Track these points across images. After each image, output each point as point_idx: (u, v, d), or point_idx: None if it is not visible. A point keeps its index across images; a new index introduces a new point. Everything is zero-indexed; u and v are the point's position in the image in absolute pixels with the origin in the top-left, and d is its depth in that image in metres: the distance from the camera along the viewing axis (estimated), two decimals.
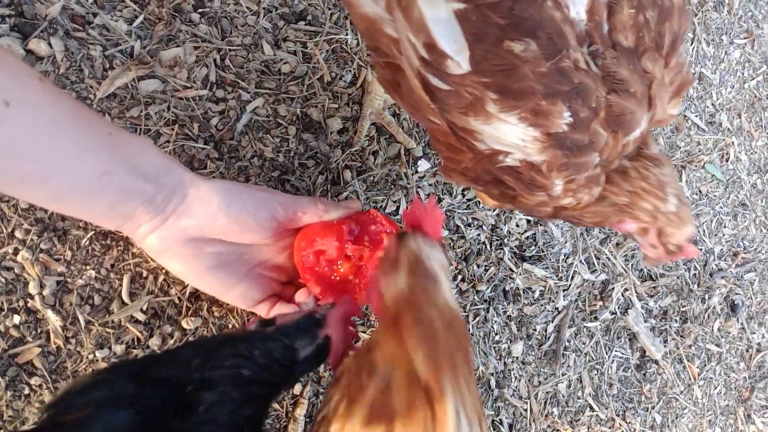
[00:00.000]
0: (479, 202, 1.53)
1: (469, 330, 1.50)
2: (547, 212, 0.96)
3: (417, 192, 1.44)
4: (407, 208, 0.88)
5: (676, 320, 1.90)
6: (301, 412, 1.25)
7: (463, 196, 1.51)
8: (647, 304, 1.83)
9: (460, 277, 1.50)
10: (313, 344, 0.78)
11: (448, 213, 1.49)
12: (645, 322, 1.81)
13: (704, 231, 1.99)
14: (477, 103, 0.78)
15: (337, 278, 1.02)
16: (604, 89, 0.80)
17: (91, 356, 1.08)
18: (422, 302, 0.70)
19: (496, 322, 1.54)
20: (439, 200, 1.48)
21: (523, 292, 1.59)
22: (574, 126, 0.79)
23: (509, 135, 0.80)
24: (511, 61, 0.74)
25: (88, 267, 1.08)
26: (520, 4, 0.73)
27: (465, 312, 1.49)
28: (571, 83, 0.76)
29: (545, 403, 1.62)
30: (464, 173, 0.95)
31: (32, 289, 1.04)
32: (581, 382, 1.69)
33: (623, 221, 0.94)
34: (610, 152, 0.86)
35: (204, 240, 0.94)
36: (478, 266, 1.51)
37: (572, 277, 1.67)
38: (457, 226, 1.50)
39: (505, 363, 1.56)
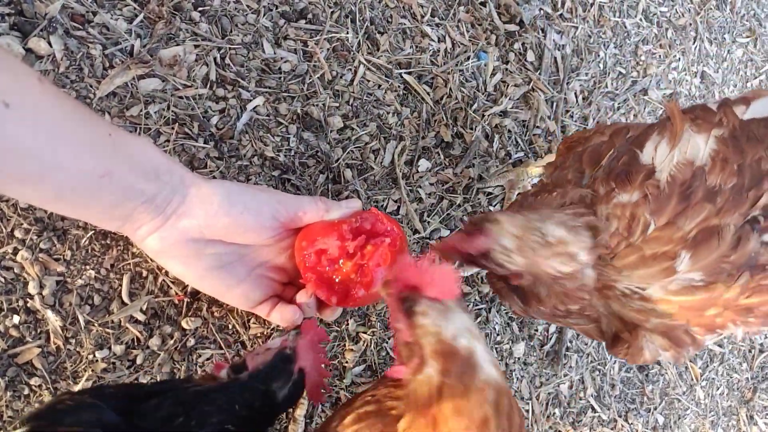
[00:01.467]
0: (480, 202, 1.53)
1: None
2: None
3: (418, 190, 1.44)
4: (394, 263, 0.85)
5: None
6: (300, 412, 1.24)
7: (465, 199, 1.51)
8: None
9: (462, 278, 1.49)
10: (289, 382, 0.79)
11: (448, 215, 1.48)
12: None
13: None
14: None
15: (339, 278, 1.01)
16: None
17: (90, 356, 1.07)
18: (460, 391, 0.64)
19: (497, 323, 1.53)
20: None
21: None
22: None
23: None
24: None
25: (87, 267, 1.07)
26: None
27: None
28: None
29: (547, 404, 1.61)
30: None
31: (32, 289, 1.03)
32: (583, 382, 1.68)
33: None
34: None
35: (204, 241, 0.94)
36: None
37: None
38: (459, 229, 1.49)
39: (506, 364, 1.55)
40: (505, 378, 0.71)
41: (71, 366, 1.07)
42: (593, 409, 1.69)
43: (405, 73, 1.44)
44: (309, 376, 0.84)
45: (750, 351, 2.06)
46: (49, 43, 1.05)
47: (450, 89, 1.49)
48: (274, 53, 1.27)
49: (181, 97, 1.17)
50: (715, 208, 0.90)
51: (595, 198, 0.99)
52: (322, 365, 0.89)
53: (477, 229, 0.89)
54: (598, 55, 1.79)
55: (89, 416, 0.62)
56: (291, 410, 1.25)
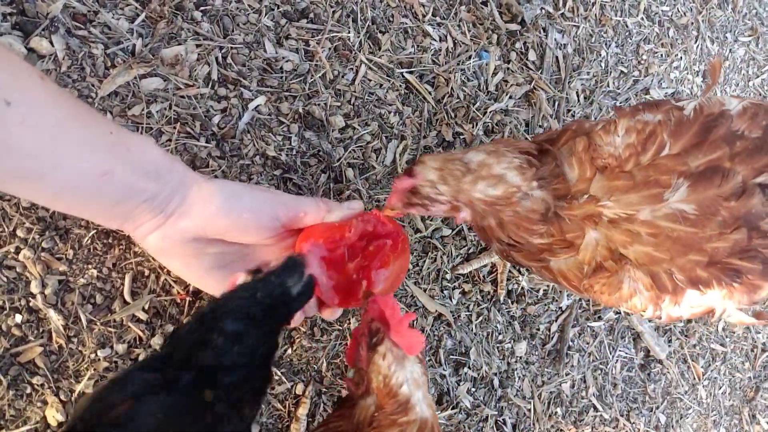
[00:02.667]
0: None
1: (472, 330, 1.49)
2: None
3: None
4: (371, 298, 0.92)
5: (659, 318, 1.89)
6: (303, 411, 1.24)
7: None
8: (647, 320, 1.82)
9: (463, 277, 1.49)
10: (302, 281, 0.85)
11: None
12: (649, 321, 1.80)
13: None
14: None
15: (341, 278, 1.01)
16: None
17: (92, 355, 1.08)
18: (388, 423, 0.79)
19: (499, 321, 1.53)
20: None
21: (527, 292, 1.58)
22: None
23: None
24: None
25: (89, 266, 1.08)
26: None
27: (468, 312, 1.49)
28: None
29: (549, 403, 1.61)
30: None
31: (34, 288, 1.03)
32: (585, 382, 1.68)
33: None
34: None
35: (205, 240, 0.94)
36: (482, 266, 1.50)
37: None
38: (461, 228, 1.49)
39: (508, 363, 1.55)
40: (435, 416, 0.84)
41: (73, 365, 1.07)
42: (595, 408, 1.69)
43: (406, 72, 1.44)
44: (320, 282, 0.92)
45: (752, 350, 2.06)
46: (51, 43, 1.05)
47: (451, 88, 1.49)
48: (276, 53, 1.27)
49: (182, 97, 1.17)
50: (731, 152, 0.88)
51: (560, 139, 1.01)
52: (326, 276, 0.97)
53: (406, 171, 0.97)
54: (600, 55, 1.79)
55: (135, 388, 0.65)
56: (293, 409, 1.25)
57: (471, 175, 0.92)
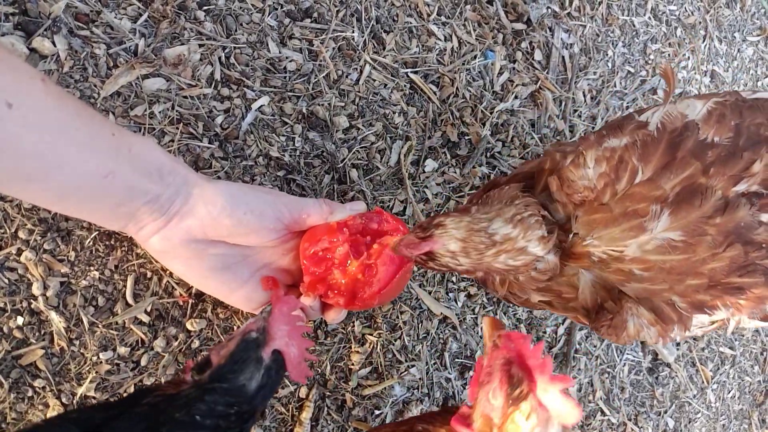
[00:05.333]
0: None
1: (477, 333, 1.47)
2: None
3: (424, 191, 1.42)
4: (496, 336, 0.77)
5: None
6: (306, 415, 1.23)
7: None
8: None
9: (469, 280, 1.47)
10: (260, 370, 0.71)
11: None
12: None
13: None
14: None
15: (345, 279, 1.00)
16: None
17: (94, 358, 1.07)
18: None
19: (507, 325, 1.52)
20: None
21: None
22: None
23: None
24: None
25: (92, 268, 1.07)
26: None
27: (474, 314, 1.47)
28: None
29: None
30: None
31: (36, 290, 1.02)
32: (592, 385, 1.66)
33: None
34: None
35: (208, 242, 0.93)
36: None
37: None
38: None
39: None
40: None
41: (75, 368, 1.06)
42: (602, 412, 1.66)
43: (411, 72, 1.42)
44: (287, 354, 0.77)
45: (762, 353, 2.03)
46: (53, 43, 1.04)
47: (457, 88, 1.48)
48: (279, 52, 1.26)
49: (185, 97, 1.16)
50: (703, 165, 0.84)
51: (546, 161, 0.98)
52: (302, 335, 0.82)
53: (425, 234, 0.89)
54: (607, 54, 1.77)
55: None
56: (297, 413, 1.24)
57: (495, 248, 0.88)
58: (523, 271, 0.92)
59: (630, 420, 1.71)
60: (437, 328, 1.42)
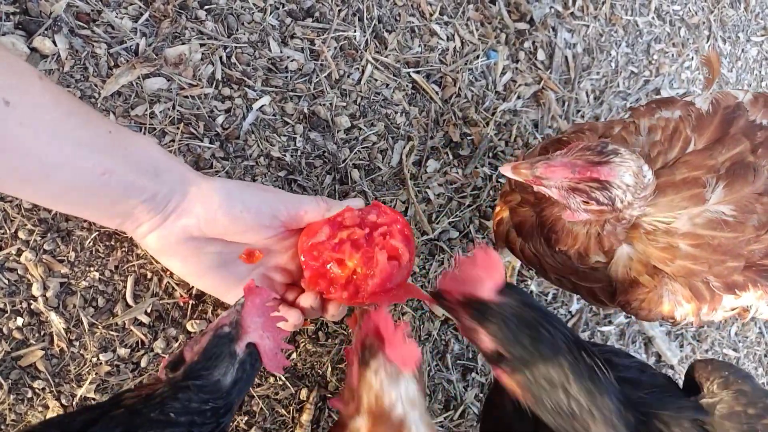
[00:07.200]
0: (493, 207, 1.50)
1: None
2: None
3: (426, 191, 1.41)
4: (362, 316, 0.83)
5: (692, 324, 1.85)
6: (307, 418, 1.22)
7: (473, 200, 1.48)
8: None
9: None
10: (234, 365, 0.71)
11: (457, 217, 1.46)
12: (660, 326, 1.77)
13: None
14: None
15: (346, 273, 0.99)
16: None
17: (94, 359, 1.06)
18: None
19: None
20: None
21: (536, 296, 1.55)
22: None
23: None
24: None
25: (91, 268, 1.06)
26: None
27: None
28: None
29: None
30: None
31: (35, 290, 1.02)
32: None
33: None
34: None
35: (205, 239, 0.92)
36: None
37: None
38: (467, 231, 1.47)
39: None
40: None
41: (75, 369, 1.05)
42: None
43: (413, 72, 1.42)
44: (262, 346, 0.77)
45: (766, 355, 2.01)
46: (54, 42, 1.04)
47: (459, 88, 1.47)
48: (281, 52, 1.26)
49: (186, 97, 1.15)
50: (752, 144, 0.85)
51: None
52: (276, 326, 0.82)
53: (600, 159, 0.79)
54: (610, 54, 1.76)
55: None
56: (297, 415, 1.23)
57: (646, 191, 0.85)
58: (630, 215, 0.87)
59: None
60: (439, 330, 1.41)
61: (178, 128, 1.13)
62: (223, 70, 1.19)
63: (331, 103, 1.30)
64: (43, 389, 1.03)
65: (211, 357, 0.71)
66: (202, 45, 1.17)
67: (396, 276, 0.99)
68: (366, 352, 0.77)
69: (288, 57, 1.26)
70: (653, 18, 1.86)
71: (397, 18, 1.41)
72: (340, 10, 1.33)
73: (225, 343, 0.72)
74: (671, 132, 0.89)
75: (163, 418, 0.64)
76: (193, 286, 1.12)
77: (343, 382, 1.28)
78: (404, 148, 1.39)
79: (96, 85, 1.07)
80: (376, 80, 1.37)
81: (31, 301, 1.02)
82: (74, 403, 1.05)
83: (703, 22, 1.97)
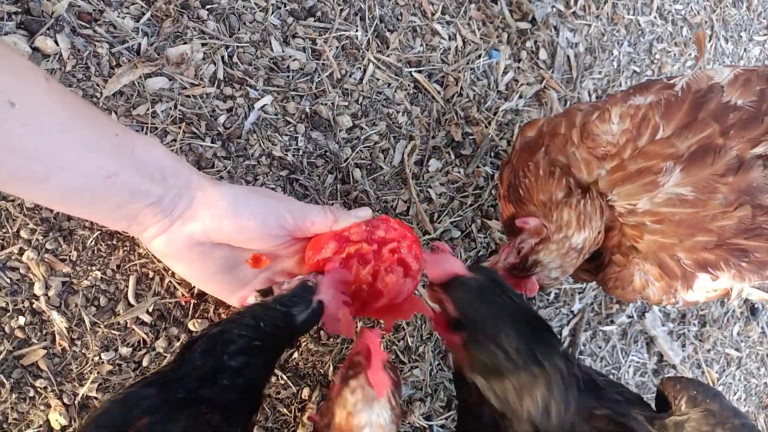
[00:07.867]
0: (495, 206, 1.50)
1: None
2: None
3: (428, 191, 1.41)
4: (359, 333, 0.89)
5: (694, 324, 1.85)
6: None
7: (475, 199, 1.48)
8: (665, 308, 1.78)
9: None
10: (308, 309, 0.86)
11: (459, 216, 1.46)
12: (663, 325, 1.77)
13: None
14: None
15: (354, 286, 0.99)
16: None
17: (96, 358, 1.06)
18: None
19: None
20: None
21: (538, 295, 1.55)
22: None
23: None
24: None
25: (93, 268, 1.06)
26: None
27: None
28: None
29: None
30: None
31: (37, 289, 1.02)
32: None
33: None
34: None
35: (211, 244, 0.92)
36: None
37: None
38: (469, 231, 1.46)
39: None
40: None
41: (77, 368, 1.05)
42: None
43: (415, 71, 1.42)
44: (327, 308, 0.92)
45: None
46: (56, 42, 1.04)
47: (461, 88, 1.47)
48: (283, 51, 1.26)
49: (188, 96, 1.15)
50: (722, 127, 0.87)
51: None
52: (342, 302, 0.95)
53: (523, 274, 0.98)
54: (612, 54, 1.76)
55: (150, 402, 0.69)
56: (299, 414, 1.23)
57: (580, 255, 0.96)
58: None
59: None
60: None
61: (179, 128, 1.13)
62: (224, 69, 1.19)
63: (332, 103, 1.30)
64: (45, 388, 1.03)
65: (296, 296, 0.87)
66: (203, 44, 1.17)
67: (403, 292, 1.00)
68: (349, 370, 0.80)
69: (290, 56, 1.26)
70: (655, 17, 1.85)
71: (399, 17, 1.41)
72: (341, 10, 1.33)
73: (308, 291, 0.88)
74: (640, 120, 0.92)
75: (253, 324, 0.80)
76: (195, 286, 1.12)
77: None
78: (406, 147, 1.39)
79: (98, 85, 1.07)
80: (378, 80, 1.37)
81: (33, 301, 1.02)
82: (76, 402, 1.05)
83: (706, 22, 1.97)
